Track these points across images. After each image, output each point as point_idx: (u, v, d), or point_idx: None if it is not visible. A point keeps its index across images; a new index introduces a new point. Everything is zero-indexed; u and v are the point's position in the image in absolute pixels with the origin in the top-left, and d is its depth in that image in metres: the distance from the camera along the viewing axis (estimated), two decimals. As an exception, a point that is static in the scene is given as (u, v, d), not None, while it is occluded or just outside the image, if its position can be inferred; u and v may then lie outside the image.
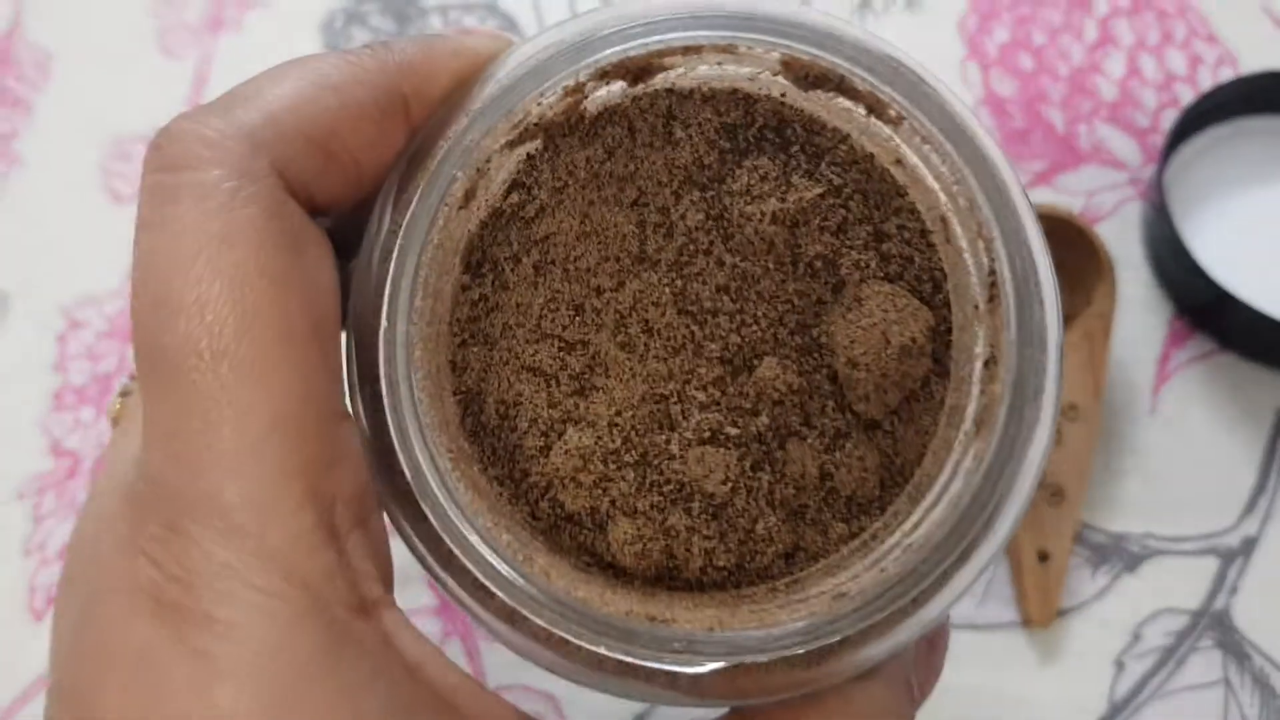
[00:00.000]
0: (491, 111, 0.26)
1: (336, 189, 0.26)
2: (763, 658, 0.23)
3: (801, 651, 0.24)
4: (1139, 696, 0.42)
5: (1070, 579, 0.44)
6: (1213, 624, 0.43)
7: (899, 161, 0.26)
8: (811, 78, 0.27)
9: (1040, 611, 0.43)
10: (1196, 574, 0.43)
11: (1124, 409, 0.46)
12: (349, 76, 0.26)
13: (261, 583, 0.22)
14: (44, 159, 0.53)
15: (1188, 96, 0.52)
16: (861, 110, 0.26)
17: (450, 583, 0.25)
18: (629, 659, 0.24)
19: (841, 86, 0.26)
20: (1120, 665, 0.42)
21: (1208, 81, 0.53)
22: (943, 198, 0.26)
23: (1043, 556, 0.43)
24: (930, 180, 0.26)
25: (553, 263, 0.26)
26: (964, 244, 0.25)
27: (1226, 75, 0.53)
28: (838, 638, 0.24)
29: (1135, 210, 0.50)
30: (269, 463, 0.23)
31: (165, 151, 0.24)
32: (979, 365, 0.25)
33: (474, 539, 0.24)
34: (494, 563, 0.24)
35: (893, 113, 0.26)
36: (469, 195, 0.26)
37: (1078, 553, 0.44)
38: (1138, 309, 0.48)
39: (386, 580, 0.25)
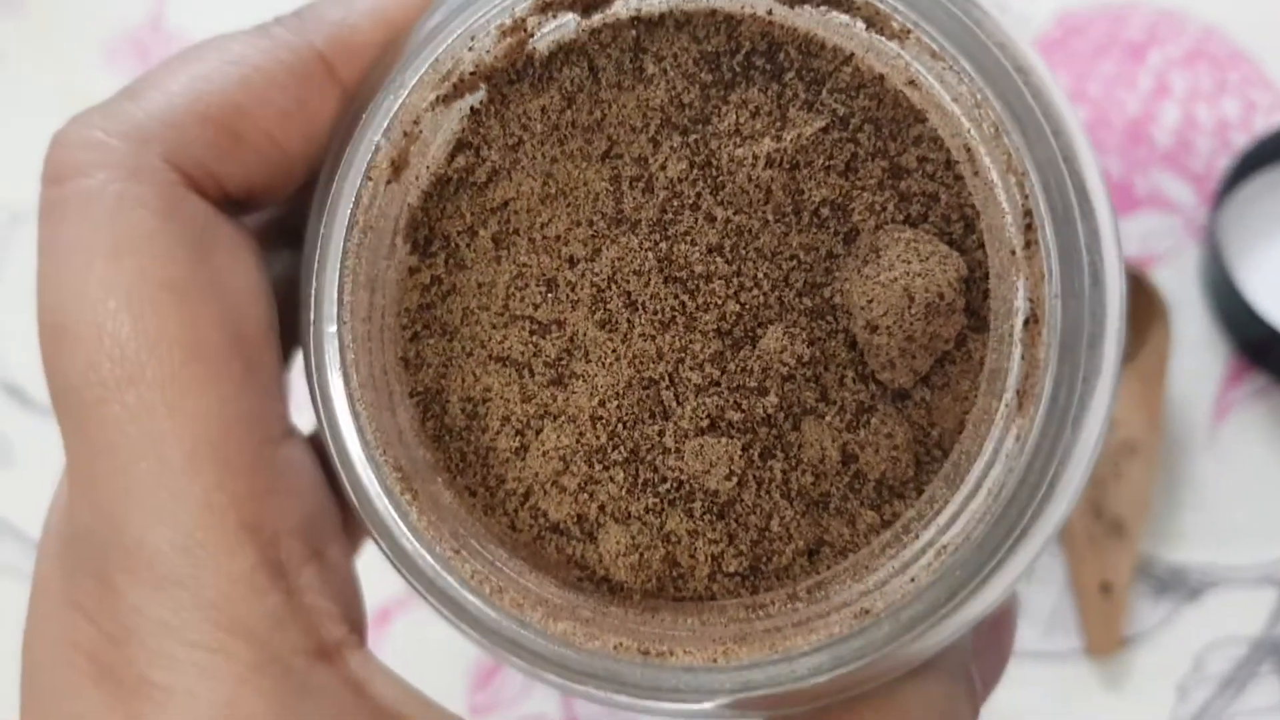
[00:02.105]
0: (414, 64, 0.22)
1: (255, 173, 0.23)
2: (777, 690, 0.20)
3: (824, 679, 0.20)
4: (1200, 721, 0.43)
5: (1132, 608, 0.45)
6: (1272, 651, 0.44)
7: (912, 82, 0.22)
8: None
9: (1103, 641, 0.44)
10: (1255, 603, 0.45)
11: (1183, 444, 0.48)
12: (253, 49, 0.23)
13: (200, 638, 0.20)
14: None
15: (1241, 141, 0.54)
16: (860, 25, 0.22)
17: (440, 608, 0.21)
18: (622, 698, 0.21)
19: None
20: (1182, 692, 0.44)
21: (1261, 126, 0.55)
22: (965, 124, 0.22)
23: (1105, 588, 0.45)
24: (949, 104, 0.22)
25: (515, 232, 0.23)
26: (995, 176, 0.21)
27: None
28: (862, 662, 0.21)
29: (1192, 252, 0.52)
30: (192, 500, 0.20)
31: (52, 160, 0.22)
32: (1019, 323, 0.21)
33: (433, 570, 0.21)
34: (458, 598, 0.21)
35: (896, 25, 0.22)
36: (398, 164, 0.22)
37: (1139, 583, 0.46)
38: (1196, 347, 0.50)
39: (353, 618, 0.22)
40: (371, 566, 0.24)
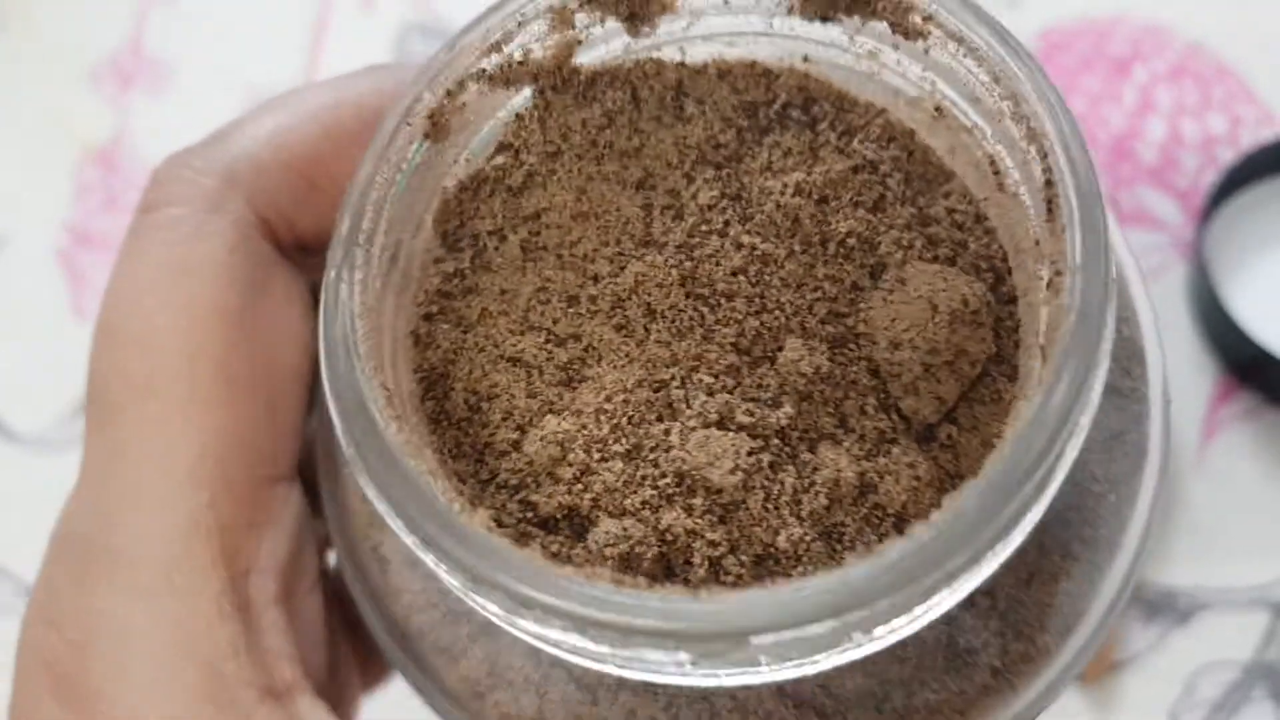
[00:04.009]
0: (467, 31, 0.23)
1: (328, 220, 0.23)
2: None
3: (832, 623, 0.17)
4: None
5: (1122, 632, 0.45)
6: (1264, 675, 0.44)
7: (939, 109, 0.22)
8: None
9: (1093, 666, 0.44)
10: (1247, 626, 0.44)
11: (1172, 464, 0.48)
12: (334, 102, 0.25)
13: (154, 655, 0.20)
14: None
15: (1228, 157, 0.54)
16: (884, 27, 0.22)
17: (403, 519, 0.19)
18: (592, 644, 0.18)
19: (855, 4, 0.22)
20: (1173, 717, 0.43)
21: (1248, 141, 0.54)
22: (988, 131, 0.21)
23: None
24: (971, 116, 0.22)
25: (544, 247, 0.23)
26: (1025, 194, 0.21)
27: (1266, 135, 0.54)
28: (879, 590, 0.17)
29: (1179, 270, 0.52)
30: (182, 514, 0.21)
31: (147, 193, 0.24)
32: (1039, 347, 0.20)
33: (406, 478, 0.19)
34: (430, 508, 0.19)
35: (918, 18, 0.22)
36: (436, 122, 0.22)
37: (1129, 606, 0.45)
38: (1184, 367, 0.50)
39: (309, 665, 0.22)
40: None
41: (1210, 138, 0.55)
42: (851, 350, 0.21)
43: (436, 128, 0.22)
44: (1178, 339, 0.50)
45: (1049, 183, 0.20)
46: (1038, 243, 0.20)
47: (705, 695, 0.20)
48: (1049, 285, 0.20)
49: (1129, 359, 0.23)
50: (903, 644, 0.19)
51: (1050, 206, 0.20)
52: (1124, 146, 0.56)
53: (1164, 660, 0.44)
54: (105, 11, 0.61)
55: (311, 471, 0.25)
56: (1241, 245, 0.51)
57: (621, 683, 0.21)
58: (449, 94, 0.22)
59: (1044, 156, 0.20)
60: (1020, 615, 0.21)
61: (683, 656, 0.17)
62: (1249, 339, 0.46)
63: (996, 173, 0.22)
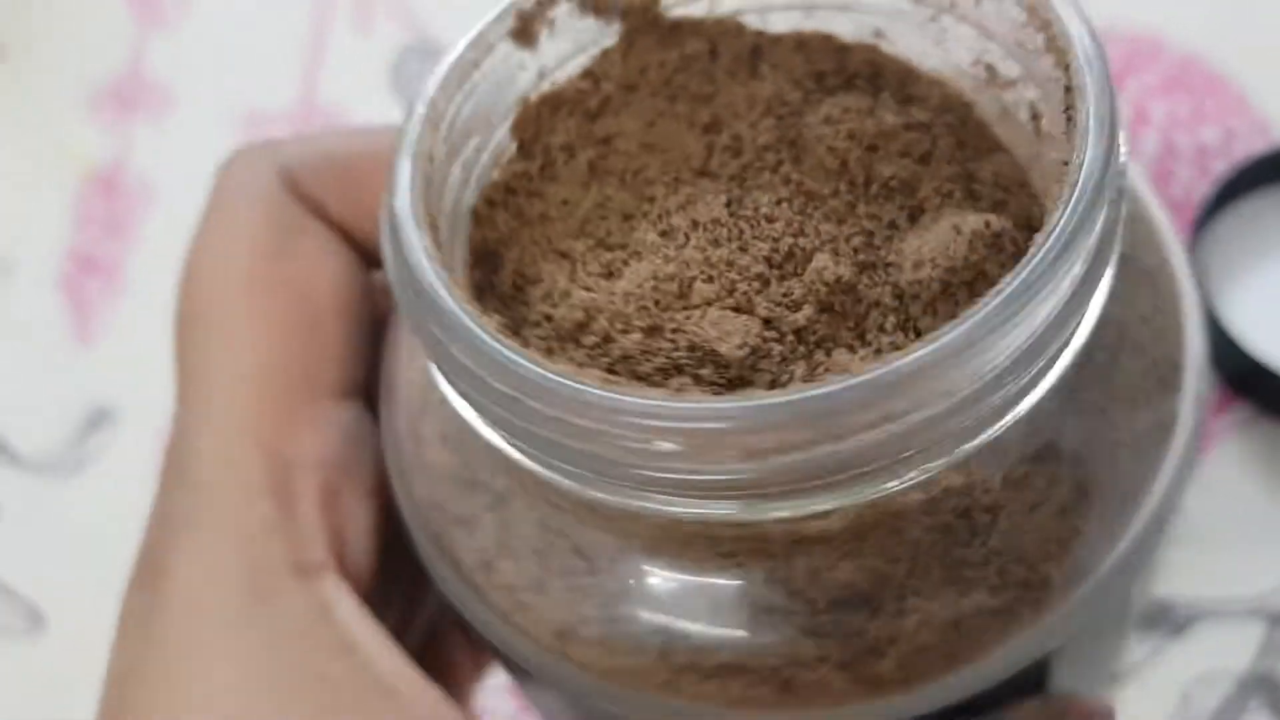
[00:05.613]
0: None
1: (365, 225, 0.27)
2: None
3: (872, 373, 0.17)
4: (1188, 759, 0.43)
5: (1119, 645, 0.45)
6: (1260, 686, 0.44)
7: (990, 68, 0.23)
8: None
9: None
10: (1243, 637, 0.45)
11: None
12: (386, 134, 0.27)
13: (204, 536, 0.23)
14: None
15: (1222, 168, 0.54)
16: None
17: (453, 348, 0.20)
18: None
19: None
20: (1170, 729, 0.44)
21: (1242, 153, 0.55)
22: (1030, 77, 0.22)
23: (1092, 622, 0.45)
24: (1015, 68, 0.23)
25: (609, 171, 0.24)
26: (1052, 116, 0.22)
27: (1260, 146, 0.55)
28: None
29: (1173, 281, 0.52)
30: (236, 414, 0.24)
31: (216, 178, 0.27)
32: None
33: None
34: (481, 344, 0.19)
35: None
36: (525, 25, 0.24)
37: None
38: (1179, 378, 0.50)
39: (349, 565, 0.24)
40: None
41: (1204, 149, 0.55)
42: (879, 275, 0.22)
43: (524, 31, 0.24)
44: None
45: (1068, 89, 0.21)
46: (1065, 164, 0.21)
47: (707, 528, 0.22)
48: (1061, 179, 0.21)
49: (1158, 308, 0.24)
50: (898, 543, 0.21)
51: (1069, 116, 0.21)
52: (1117, 158, 0.56)
53: (1160, 673, 0.44)
54: (105, 38, 0.61)
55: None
56: (1236, 256, 0.51)
57: (621, 549, 0.23)
58: (540, 3, 0.23)
59: (1066, 68, 0.21)
60: (1020, 542, 0.22)
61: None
62: (1243, 351, 0.46)
63: (1035, 118, 0.22)
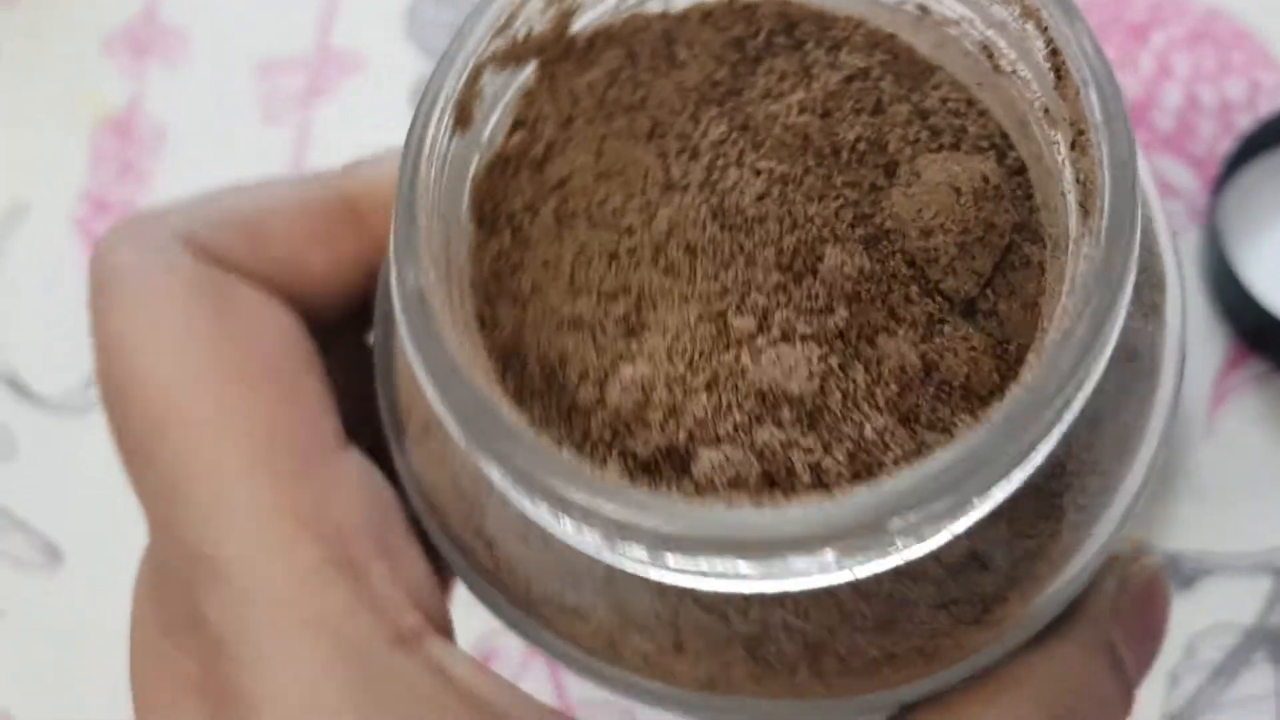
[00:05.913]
0: (474, 19, 0.23)
1: (278, 276, 0.25)
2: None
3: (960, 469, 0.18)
4: (1191, 709, 0.43)
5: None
6: (1265, 639, 0.44)
7: (923, 8, 0.23)
8: None
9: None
10: (1250, 590, 0.45)
11: (1179, 430, 0.48)
12: (283, 185, 0.26)
13: (277, 639, 0.20)
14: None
15: (1246, 123, 0.54)
16: None
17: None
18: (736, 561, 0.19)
19: None
20: (1173, 679, 0.44)
21: (1267, 107, 0.54)
22: (976, 19, 0.23)
23: (1100, 575, 0.45)
24: (956, 8, 0.23)
25: (574, 213, 0.23)
26: (1013, 56, 0.22)
27: (1284, 101, 0.54)
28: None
29: (1194, 238, 0.52)
30: (251, 510, 0.21)
31: (92, 261, 0.25)
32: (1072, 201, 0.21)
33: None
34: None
35: None
36: (463, 114, 0.23)
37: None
38: (1194, 334, 0.50)
39: (430, 611, 0.23)
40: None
41: (1227, 104, 0.54)
42: (885, 246, 0.22)
43: (463, 117, 0.23)
44: (1190, 307, 0.50)
45: (1054, 51, 0.21)
46: (1047, 110, 0.21)
47: (830, 590, 0.21)
48: (1073, 146, 0.21)
49: (1151, 288, 0.24)
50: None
51: (1059, 74, 0.21)
52: (1140, 114, 0.55)
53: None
54: (119, -20, 0.61)
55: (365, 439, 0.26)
56: (1256, 212, 0.50)
57: (748, 599, 0.22)
58: (467, 83, 0.23)
59: (1044, 29, 0.21)
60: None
61: (828, 556, 0.19)
62: (1260, 306, 0.46)
63: (990, 56, 0.23)
